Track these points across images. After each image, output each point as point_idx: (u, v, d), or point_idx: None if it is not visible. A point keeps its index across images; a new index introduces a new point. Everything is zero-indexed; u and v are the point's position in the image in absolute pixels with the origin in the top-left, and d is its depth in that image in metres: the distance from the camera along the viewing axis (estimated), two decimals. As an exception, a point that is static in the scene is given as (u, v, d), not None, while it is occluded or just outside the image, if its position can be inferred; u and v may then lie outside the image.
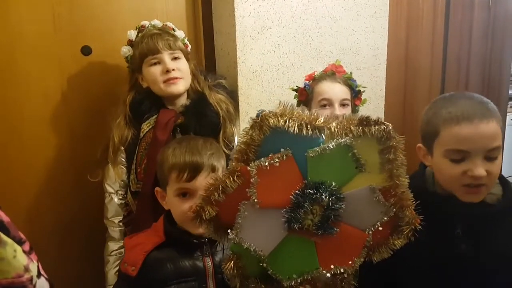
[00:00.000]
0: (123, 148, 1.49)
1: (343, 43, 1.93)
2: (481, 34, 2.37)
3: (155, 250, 1.13)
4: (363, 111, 1.71)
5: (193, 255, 1.13)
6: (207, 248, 1.14)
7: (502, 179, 1.11)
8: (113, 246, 1.51)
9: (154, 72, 1.46)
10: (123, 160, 1.51)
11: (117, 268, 1.48)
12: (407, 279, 1.11)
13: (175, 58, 1.48)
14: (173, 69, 1.45)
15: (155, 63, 1.46)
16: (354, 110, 1.63)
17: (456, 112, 1.03)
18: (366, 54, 1.98)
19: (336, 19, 1.90)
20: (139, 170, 1.46)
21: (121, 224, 1.52)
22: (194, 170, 1.10)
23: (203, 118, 1.49)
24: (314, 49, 1.89)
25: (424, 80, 2.32)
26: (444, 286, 1.08)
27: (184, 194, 1.11)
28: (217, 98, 1.56)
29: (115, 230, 1.51)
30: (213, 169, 1.11)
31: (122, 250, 1.47)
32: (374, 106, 2.03)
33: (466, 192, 1.04)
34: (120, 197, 1.51)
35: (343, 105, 1.54)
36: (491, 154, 1.01)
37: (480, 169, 1.00)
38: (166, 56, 1.45)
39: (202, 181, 1.08)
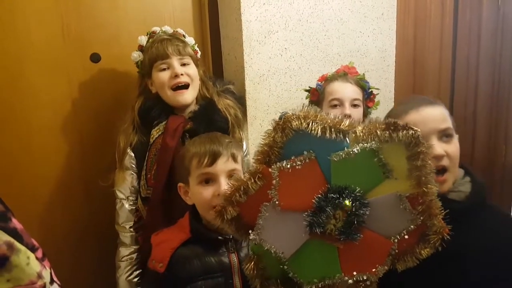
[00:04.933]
0: (132, 154, 1.49)
1: (351, 45, 1.92)
2: (490, 33, 2.35)
3: (181, 246, 1.15)
4: (372, 113, 1.70)
5: (219, 251, 1.15)
6: (232, 244, 1.16)
7: (473, 179, 1.15)
8: (124, 251, 1.51)
9: (162, 77, 1.46)
10: (134, 166, 1.50)
11: (128, 273, 1.49)
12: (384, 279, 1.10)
13: (184, 64, 1.48)
14: (182, 74, 1.45)
15: (164, 69, 1.46)
16: (366, 112, 1.61)
17: (403, 107, 1.17)
18: (374, 56, 1.97)
19: (343, 22, 1.89)
20: (149, 176, 1.46)
21: (132, 229, 1.51)
22: (214, 155, 1.14)
23: (211, 124, 1.48)
24: (322, 52, 1.88)
25: (433, 81, 2.31)
26: (420, 284, 1.07)
27: (206, 181, 1.15)
28: (225, 104, 1.57)
29: (126, 236, 1.51)
30: (233, 156, 1.16)
31: (134, 255, 1.50)
32: (383, 108, 2.01)
33: None
34: (131, 203, 1.51)
35: (354, 105, 1.53)
36: (445, 134, 1.09)
37: (437, 148, 1.06)
38: (175, 61, 1.46)
39: (222, 165, 1.14)
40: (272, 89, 1.81)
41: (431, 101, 1.16)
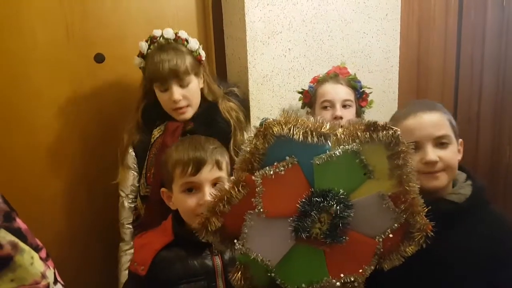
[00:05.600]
0: (133, 153, 1.52)
1: (355, 46, 1.92)
2: (495, 34, 2.31)
3: (164, 249, 1.13)
4: (375, 114, 1.70)
5: (202, 254, 1.14)
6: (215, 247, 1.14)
7: (474, 182, 1.18)
8: (124, 246, 1.55)
9: (162, 97, 1.47)
10: (135, 165, 1.53)
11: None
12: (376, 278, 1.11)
13: (183, 85, 1.45)
14: (180, 99, 1.44)
15: (163, 90, 1.46)
16: (360, 111, 1.63)
17: (405, 111, 1.21)
18: (378, 56, 1.97)
19: (347, 22, 1.88)
20: (148, 175, 1.49)
21: (130, 226, 1.55)
22: (198, 163, 1.11)
23: (212, 126, 1.49)
24: (325, 52, 1.88)
25: (437, 82, 2.29)
26: (413, 284, 1.10)
27: (190, 189, 1.13)
28: (227, 106, 1.56)
29: (126, 233, 1.55)
30: (217, 163, 1.13)
31: (133, 250, 1.50)
32: (387, 109, 2.01)
33: (426, 178, 1.11)
34: (130, 201, 1.54)
35: (344, 106, 1.55)
36: (440, 141, 1.13)
37: (431, 155, 1.10)
38: (173, 85, 1.43)
39: (207, 174, 1.11)
40: (275, 90, 1.81)
41: (430, 107, 1.18)
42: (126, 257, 1.53)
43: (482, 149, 2.40)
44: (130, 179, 1.52)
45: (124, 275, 1.52)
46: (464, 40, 2.29)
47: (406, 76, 2.15)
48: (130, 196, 1.54)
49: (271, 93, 1.80)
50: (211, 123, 1.50)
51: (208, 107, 1.54)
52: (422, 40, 2.21)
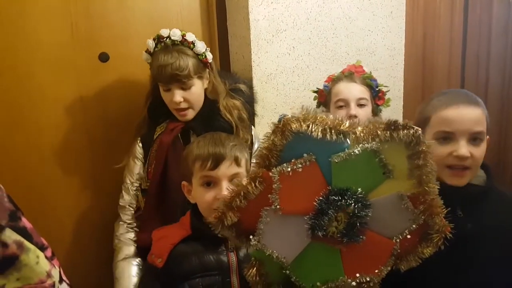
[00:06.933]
0: (141, 144, 1.53)
1: (359, 43, 1.92)
2: (501, 31, 2.31)
3: (181, 243, 1.15)
4: (384, 111, 1.69)
5: (218, 250, 1.15)
6: (231, 243, 1.15)
7: (482, 164, 1.19)
8: (119, 221, 1.56)
9: (165, 97, 1.48)
10: (142, 156, 1.54)
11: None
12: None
13: (185, 88, 1.45)
14: (181, 101, 1.45)
15: (166, 89, 1.46)
16: (376, 110, 1.61)
17: (445, 99, 1.17)
18: (383, 54, 1.96)
19: (351, 20, 1.88)
20: (149, 170, 1.51)
21: (131, 208, 1.55)
22: (217, 159, 1.13)
23: (212, 125, 1.48)
24: (330, 50, 1.87)
25: (442, 80, 2.29)
26: (453, 268, 1.10)
27: (208, 183, 1.15)
28: (229, 105, 1.54)
29: (127, 213, 1.55)
30: (236, 160, 1.15)
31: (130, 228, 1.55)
32: (392, 107, 2.00)
33: (451, 175, 1.12)
34: (135, 188, 1.55)
35: (360, 105, 1.53)
36: (475, 137, 1.12)
37: (464, 149, 1.09)
38: (175, 89, 1.44)
39: (225, 170, 1.13)
40: (279, 88, 1.81)
41: (474, 101, 1.16)
42: (122, 227, 1.54)
43: (488, 147, 2.39)
44: (137, 167, 1.54)
45: (118, 247, 1.53)
46: (470, 37, 2.29)
47: (411, 74, 2.15)
48: (136, 184, 1.55)
49: (275, 91, 1.80)
50: (211, 122, 1.49)
51: (208, 106, 1.52)
52: (427, 38, 2.21)
